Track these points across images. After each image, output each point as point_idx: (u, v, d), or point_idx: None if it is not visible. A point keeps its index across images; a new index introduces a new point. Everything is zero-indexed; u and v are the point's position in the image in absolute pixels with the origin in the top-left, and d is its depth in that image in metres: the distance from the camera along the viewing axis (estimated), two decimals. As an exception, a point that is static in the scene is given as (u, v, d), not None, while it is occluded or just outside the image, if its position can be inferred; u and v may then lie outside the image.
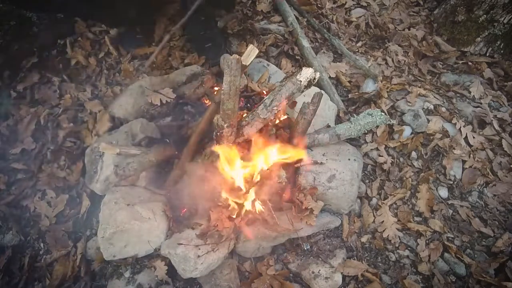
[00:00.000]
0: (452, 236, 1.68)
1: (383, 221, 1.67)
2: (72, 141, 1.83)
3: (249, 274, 1.50)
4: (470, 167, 1.84)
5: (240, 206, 1.46)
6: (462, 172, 1.84)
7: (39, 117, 1.87)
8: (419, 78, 2.21)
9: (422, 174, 1.82)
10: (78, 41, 2.10)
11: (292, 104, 1.68)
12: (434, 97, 2.07)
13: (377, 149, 1.88)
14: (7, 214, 1.62)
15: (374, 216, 1.70)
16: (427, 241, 1.65)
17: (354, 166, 1.60)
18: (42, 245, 1.59)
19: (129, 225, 1.39)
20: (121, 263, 1.48)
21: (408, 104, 1.99)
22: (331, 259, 1.52)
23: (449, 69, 2.26)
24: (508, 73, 2.24)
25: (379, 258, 1.62)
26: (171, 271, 1.44)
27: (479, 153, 1.89)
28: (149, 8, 1.91)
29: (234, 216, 1.46)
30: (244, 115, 1.46)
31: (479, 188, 1.82)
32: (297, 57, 2.22)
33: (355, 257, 1.59)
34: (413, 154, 1.89)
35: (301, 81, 1.24)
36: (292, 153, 1.42)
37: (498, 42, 2.24)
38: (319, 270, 1.48)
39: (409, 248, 1.64)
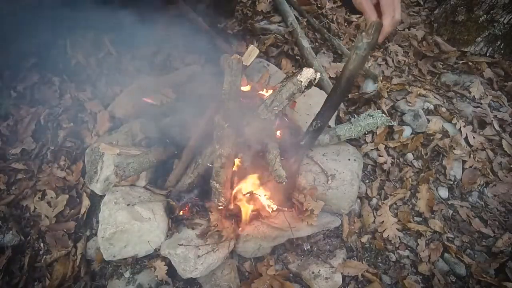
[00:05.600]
0: (452, 236, 1.68)
1: (383, 221, 1.67)
2: (72, 141, 1.82)
3: (249, 274, 1.50)
4: (470, 167, 1.84)
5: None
6: (462, 172, 1.84)
7: (39, 117, 1.87)
8: (419, 78, 2.21)
9: (422, 174, 1.82)
10: (78, 41, 2.10)
11: (292, 104, 1.68)
12: (434, 97, 2.07)
13: (377, 149, 1.88)
14: (7, 214, 1.62)
15: (374, 216, 1.70)
16: (427, 241, 1.65)
17: (354, 166, 1.60)
18: (42, 245, 1.59)
19: (129, 225, 1.39)
20: (121, 263, 1.48)
21: (408, 104, 1.99)
22: (331, 259, 1.52)
23: (449, 69, 2.26)
24: (508, 73, 2.24)
25: (379, 258, 1.62)
26: (171, 271, 1.44)
27: (479, 153, 1.89)
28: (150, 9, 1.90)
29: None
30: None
31: (479, 188, 1.82)
32: (297, 57, 2.22)
33: (355, 257, 1.59)
34: (413, 154, 1.89)
35: (301, 82, 1.24)
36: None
37: (498, 42, 2.24)
38: (319, 270, 1.48)
39: (409, 248, 1.64)
